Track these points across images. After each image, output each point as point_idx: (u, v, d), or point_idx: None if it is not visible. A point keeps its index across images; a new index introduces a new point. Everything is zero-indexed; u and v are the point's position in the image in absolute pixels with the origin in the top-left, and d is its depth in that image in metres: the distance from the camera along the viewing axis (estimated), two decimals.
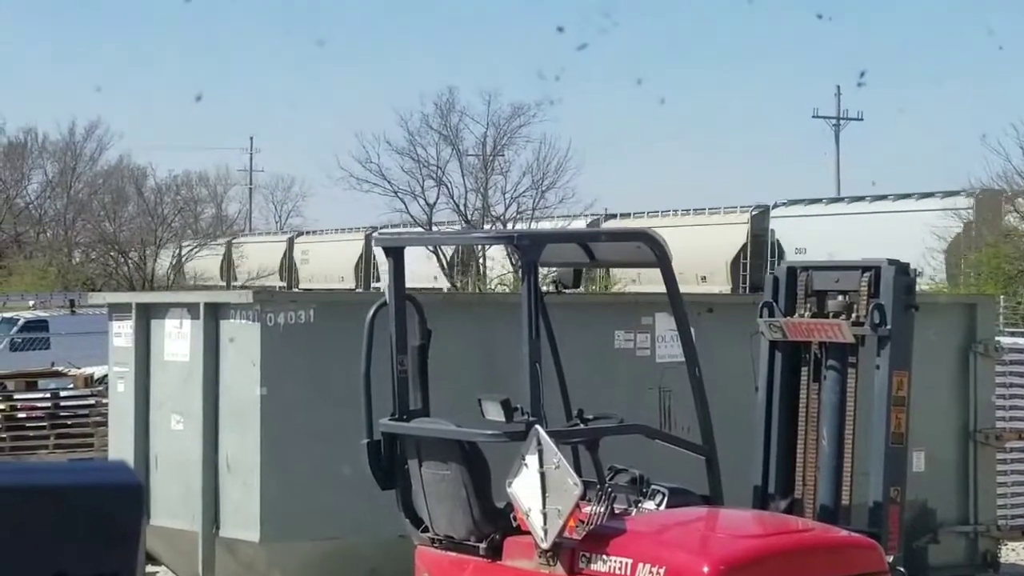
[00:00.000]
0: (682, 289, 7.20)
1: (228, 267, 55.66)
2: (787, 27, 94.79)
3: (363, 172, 45.04)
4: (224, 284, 52.56)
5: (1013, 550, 12.11)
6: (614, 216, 44.43)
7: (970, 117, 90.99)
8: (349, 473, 8.01)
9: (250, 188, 76.59)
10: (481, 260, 41.77)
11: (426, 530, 7.13)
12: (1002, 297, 26.97)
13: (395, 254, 7.35)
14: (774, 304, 7.53)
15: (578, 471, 6.65)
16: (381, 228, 45.11)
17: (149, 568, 10.02)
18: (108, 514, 1.99)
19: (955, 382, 10.88)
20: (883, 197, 37.36)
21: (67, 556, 1.97)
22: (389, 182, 45.15)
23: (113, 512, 2.00)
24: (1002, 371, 11.17)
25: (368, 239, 45.99)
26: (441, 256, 42.52)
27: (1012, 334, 21.17)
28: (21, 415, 13.63)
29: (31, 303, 35.44)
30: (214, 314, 9.20)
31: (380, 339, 7.18)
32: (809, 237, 36.25)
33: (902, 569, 6.96)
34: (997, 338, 11.56)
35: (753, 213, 41.04)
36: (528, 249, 6.80)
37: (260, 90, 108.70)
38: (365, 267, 49.66)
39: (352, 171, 45.08)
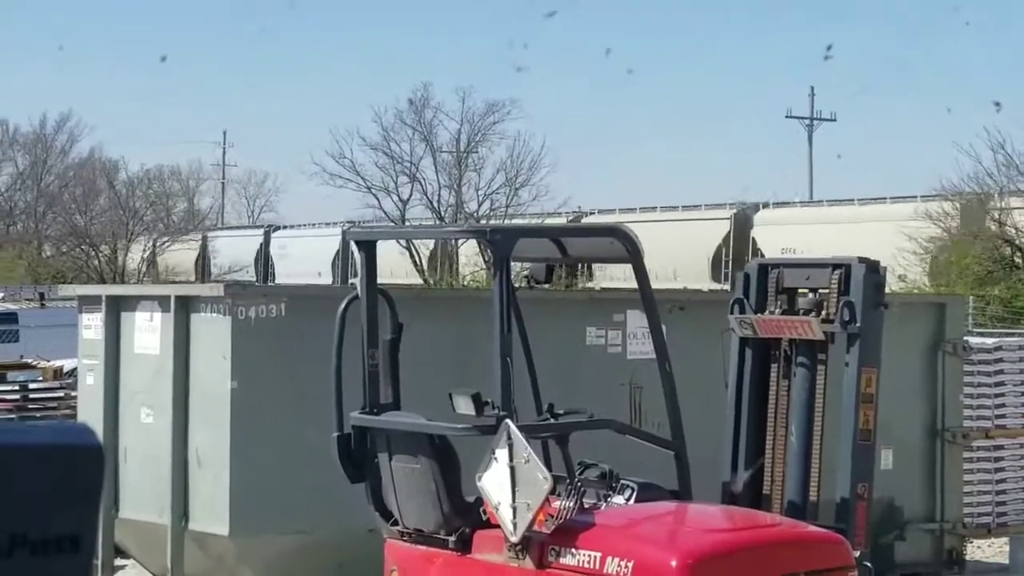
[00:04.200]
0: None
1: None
2: (761, 25, 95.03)
3: (336, 168, 44.98)
4: (195, 279, 52.02)
5: (978, 547, 12.18)
6: (768, 205, 39.57)
7: (943, 120, 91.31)
8: (317, 467, 8.00)
9: (223, 182, 76.30)
10: (454, 256, 41.70)
11: (396, 523, 7.13)
12: (971, 297, 27.02)
13: (367, 248, 7.35)
14: (745, 301, 7.55)
15: (548, 466, 6.66)
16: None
17: (118, 561, 10.00)
18: (67, 475, 1.97)
19: (924, 381, 10.95)
20: None
21: (24, 518, 1.94)
22: (363, 178, 45.11)
23: (72, 473, 1.97)
24: (970, 370, 11.24)
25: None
26: (414, 253, 42.43)
27: (980, 334, 21.27)
28: None
29: (0, 295, 35.26)
30: (185, 307, 9.18)
31: (351, 333, 7.17)
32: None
33: (869, 565, 7.00)
34: (966, 338, 11.65)
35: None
36: (500, 244, 6.80)
37: (234, 85, 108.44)
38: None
39: (326, 166, 45.01)
